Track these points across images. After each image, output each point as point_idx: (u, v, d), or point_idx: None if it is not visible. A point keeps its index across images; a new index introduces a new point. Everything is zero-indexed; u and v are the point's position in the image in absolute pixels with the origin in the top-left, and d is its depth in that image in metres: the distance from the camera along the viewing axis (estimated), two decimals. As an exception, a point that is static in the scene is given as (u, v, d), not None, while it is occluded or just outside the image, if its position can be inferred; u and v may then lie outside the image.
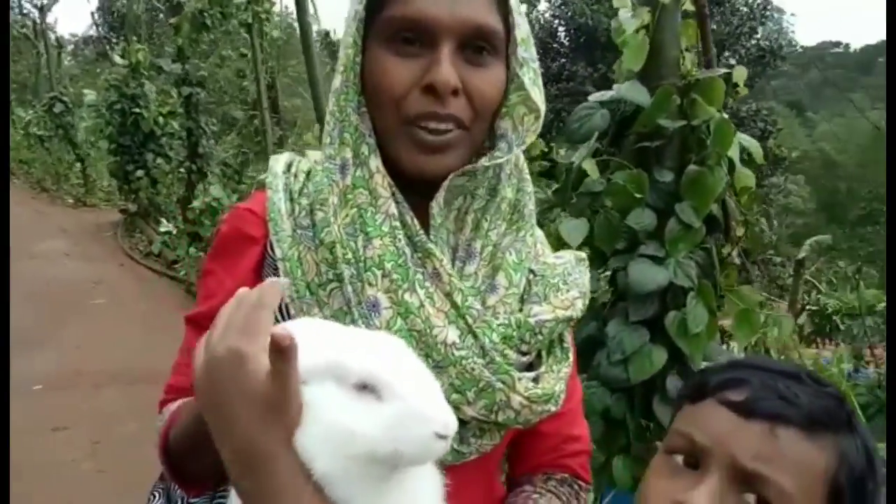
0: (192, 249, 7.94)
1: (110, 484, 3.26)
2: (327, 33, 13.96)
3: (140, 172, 9.37)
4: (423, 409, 0.53)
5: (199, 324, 0.83)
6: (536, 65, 0.81)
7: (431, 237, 0.79)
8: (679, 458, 0.63)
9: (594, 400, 2.08)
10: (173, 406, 0.80)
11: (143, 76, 9.39)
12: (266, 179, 0.84)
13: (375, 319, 0.73)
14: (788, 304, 6.66)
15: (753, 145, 2.35)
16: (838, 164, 24.37)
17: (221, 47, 9.62)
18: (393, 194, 0.77)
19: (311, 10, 4.90)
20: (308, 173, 0.84)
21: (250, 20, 7.19)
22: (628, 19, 2.29)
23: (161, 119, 9.35)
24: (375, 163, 0.77)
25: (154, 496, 0.94)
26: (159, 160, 9.44)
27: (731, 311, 2.22)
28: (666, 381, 2.03)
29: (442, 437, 0.53)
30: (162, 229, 8.68)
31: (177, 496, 0.91)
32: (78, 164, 13.94)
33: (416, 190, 0.78)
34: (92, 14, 19.13)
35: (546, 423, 0.86)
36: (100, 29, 19.30)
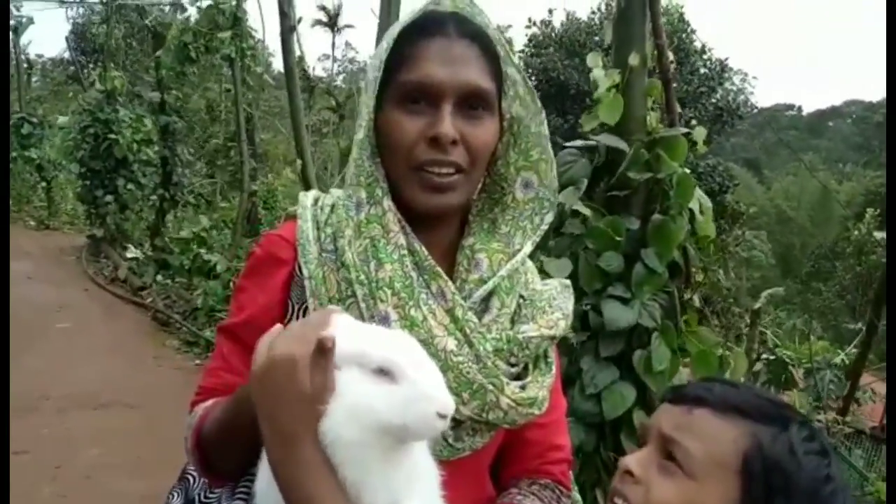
0: (159, 277, 7.88)
1: (71, 509, 3.21)
2: (304, 70, 14.19)
3: (109, 197, 9.29)
4: (428, 391, 0.66)
5: (232, 333, 0.94)
6: (542, 116, 0.97)
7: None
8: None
9: (570, 435, 2.20)
10: (207, 404, 0.89)
11: (118, 102, 9.41)
12: (297, 211, 0.97)
13: None
14: (745, 353, 6.90)
15: (704, 200, 2.54)
16: (792, 220, 25.44)
17: (202, 79, 9.71)
18: (403, 228, 0.92)
19: (298, 52, 5.07)
20: (332, 207, 0.97)
21: (233, 55, 7.33)
22: (601, 78, 2.50)
23: (135, 146, 9.34)
24: (388, 203, 0.92)
25: (172, 496, 1.01)
26: (130, 186, 9.39)
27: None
28: (632, 416, 2.15)
29: (442, 416, 0.66)
30: (129, 255, 8.59)
31: (194, 494, 0.99)
32: (41, 186, 13.71)
33: (424, 226, 0.93)
34: (66, 38, 18.97)
35: (532, 432, 0.99)
36: (73, 53, 19.21)
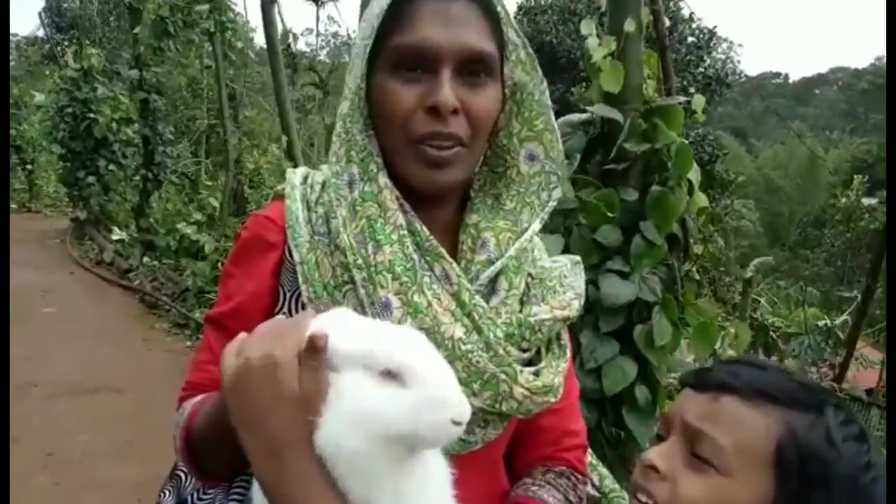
0: (146, 259, 7.76)
1: (64, 497, 3.16)
2: (288, 45, 13.86)
3: (91, 179, 9.10)
4: (441, 395, 0.59)
5: (220, 323, 0.87)
6: (544, 85, 0.90)
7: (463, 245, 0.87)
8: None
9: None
10: (195, 400, 0.83)
11: (96, 80, 9.16)
12: (285, 190, 0.89)
13: (387, 318, 0.80)
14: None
15: (695, 172, 2.48)
16: (781, 188, 25.53)
17: (182, 55, 9.47)
18: (401, 205, 0.84)
19: (280, 25, 4.91)
20: (323, 184, 0.89)
21: (213, 29, 7.12)
22: (596, 46, 2.42)
23: (114, 125, 9.12)
24: (384, 179, 0.84)
25: (164, 494, 0.95)
26: (112, 167, 9.19)
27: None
28: (634, 391, 2.11)
29: (457, 423, 0.59)
30: (114, 237, 8.45)
31: (186, 493, 0.93)
32: (21, 169, 13.43)
33: (423, 203, 0.85)
34: (39, 14, 18.29)
35: (545, 419, 0.93)
36: (47, 30, 18.62)
